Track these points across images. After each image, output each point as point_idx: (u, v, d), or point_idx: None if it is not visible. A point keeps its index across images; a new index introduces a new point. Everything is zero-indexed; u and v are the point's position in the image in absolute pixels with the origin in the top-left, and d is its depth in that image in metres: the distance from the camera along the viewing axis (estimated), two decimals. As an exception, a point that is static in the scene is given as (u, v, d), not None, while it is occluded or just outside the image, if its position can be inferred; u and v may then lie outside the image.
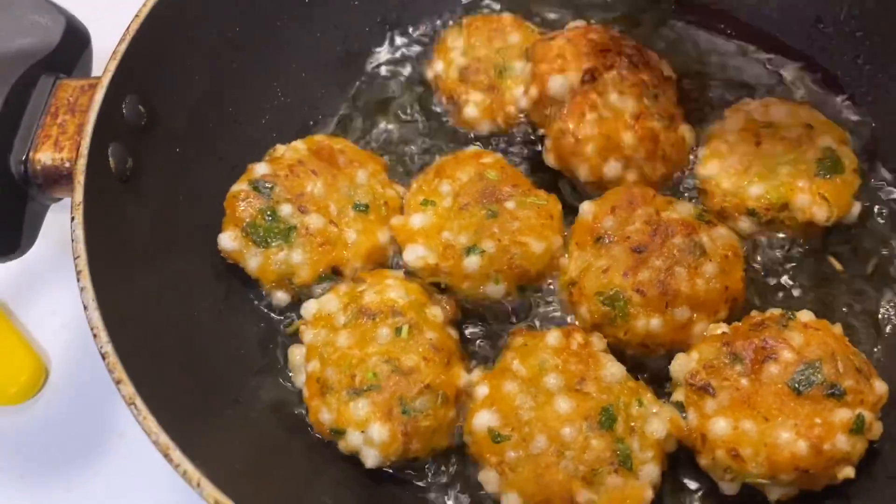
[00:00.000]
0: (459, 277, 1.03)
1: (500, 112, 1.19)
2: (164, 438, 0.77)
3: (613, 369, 0.95)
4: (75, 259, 0.87)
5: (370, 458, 0.93)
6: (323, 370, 0.96)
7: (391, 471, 0.97)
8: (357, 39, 1.30)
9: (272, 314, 1.09)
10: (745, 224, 1.08)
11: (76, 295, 0.98)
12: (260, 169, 1.09)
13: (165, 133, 1.06)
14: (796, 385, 0.89)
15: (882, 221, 1.10)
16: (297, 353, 1.03)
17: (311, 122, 1.26)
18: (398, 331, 0.96)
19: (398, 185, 1.15)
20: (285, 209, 1.06)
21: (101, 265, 0.88)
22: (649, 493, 0.89)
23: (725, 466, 0.89)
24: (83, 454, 1.16)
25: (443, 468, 0.99)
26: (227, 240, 1.06)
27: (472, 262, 1.01)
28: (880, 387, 0.91)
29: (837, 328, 0.96)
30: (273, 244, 1.05)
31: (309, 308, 1.03)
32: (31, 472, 1.16)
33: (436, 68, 1.25)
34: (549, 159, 1.11)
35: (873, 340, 1.04)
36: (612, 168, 1.08)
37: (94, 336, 0.83)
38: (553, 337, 0.97)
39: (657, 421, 0.91)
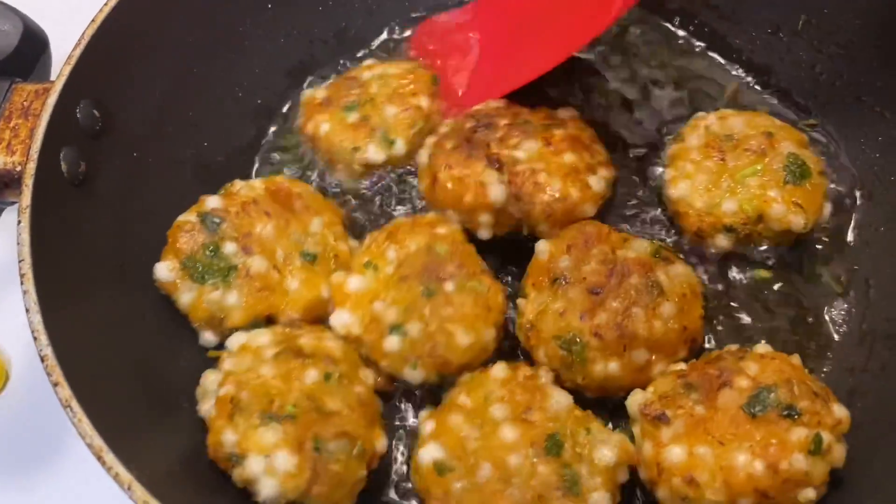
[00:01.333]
0: (380, 354, 0.98)
1: None
2: (98, 441, 0.77)
3: (560, 398, 0.93)
4: (20, 262, 0.87)
5: (266, 489, 0.85)
6: (238, 392, 0.90)
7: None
8: (322, 46, 1.31)
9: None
10: (722, 241, 1.07)
11: None
12: (211, 202, 1.06)
13: (122, 138, 1.07)
14: (751, 409, 0.87)
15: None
16: (210, 378, 0.96)
17: (272, 128, 1.25)
18: (327, 376, 0.92)
19: (352, 240, 1.10)
20: (229, 247, 1.03)
21: (48, 269, 0.88)
22: None
23: (683, 495, 0.86)
24: (43, 455, 1.16)
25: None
26: (164, 269, 1.02)
27: (393, 342, 0.97)
28: (839, 411, 0.89)
29: (795, 358, 0.94)
30: (209, 281, 1.01)
31: (236, 339, 0.98)
32: (-11, 471, 1.16)
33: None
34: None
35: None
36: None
37: (35, 339, 0.83)
38: (499, 369, 0.96)
39: (605, 447, 0.88)
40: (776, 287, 1.08)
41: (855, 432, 0.91)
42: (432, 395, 1.01)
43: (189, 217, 1.05)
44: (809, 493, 0.85)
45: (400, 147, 1.15)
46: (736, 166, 1.08)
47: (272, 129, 1.26)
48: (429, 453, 0.90)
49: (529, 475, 0.87)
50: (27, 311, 0.85)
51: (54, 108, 0.97)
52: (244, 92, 1.24)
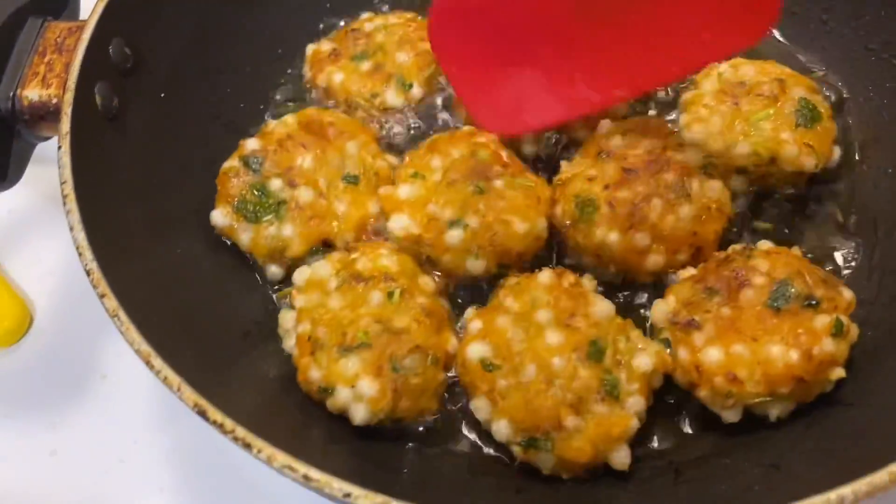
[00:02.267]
0: (441, 249, 1.02)
1: None
2: (145, 347, 0.80)
3: (603, 306, 0.96)
4: (62, 184, 0.90)
5: (359, 414, 0.92)
6: (314, 329, 0.96)
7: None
8: None
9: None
10: (736, 183, 1.10)
11: (61, 244, 1.00)
12: (250, 144, 1.10)
13: (150, 78, 1.09)
14: (774, 303, 0.93)
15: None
16: (287, 318, 1.02)
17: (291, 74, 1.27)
18: (390, 295, 0.96)
19: (389, 155, 1.15)
20: (275, 184, 1.07)
21: (87, 192, 0.91)
22: (635, 423, 0.90)
23: (726, 392, 0.91)
24: (67, 395, 1.19)
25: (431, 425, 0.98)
26: (220, 216, 1.07)
27: (455, 235, 1.00)
28: (848, 293, 0.96)
29: (796, 250, 1.01)
30: (264, 219, 1.05)
31: (301, 274, 1.03)
32: (15, 412, 1.20)
33: None
34: None
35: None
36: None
37: (80, 255, 0.86)
38: (545, 276, 0.99)
39: (644, 355, 0.92)
40: (785, 229, 1.12)
41: (867, 358, 0.96)
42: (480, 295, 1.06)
43: (232, 163, 1.10)
44: (839, 371, 0.92)
45: (417, 91, 1.19)
46: (749, 111, 1.10)
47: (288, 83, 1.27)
48: (476, 351, 0.94)
49: (571, 378, 0.91)
50: (71, 229, 0.88)
51: (88, 44, 1.00)
52: (267, 39, 1.25)
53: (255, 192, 1.07)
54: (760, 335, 0.92)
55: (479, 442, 0.98)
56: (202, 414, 0.76)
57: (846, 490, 0.70)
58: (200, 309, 1.01)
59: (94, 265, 0.85)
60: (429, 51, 1.19)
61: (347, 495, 0.70)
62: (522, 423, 0.90)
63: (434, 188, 1.05)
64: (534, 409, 0.90)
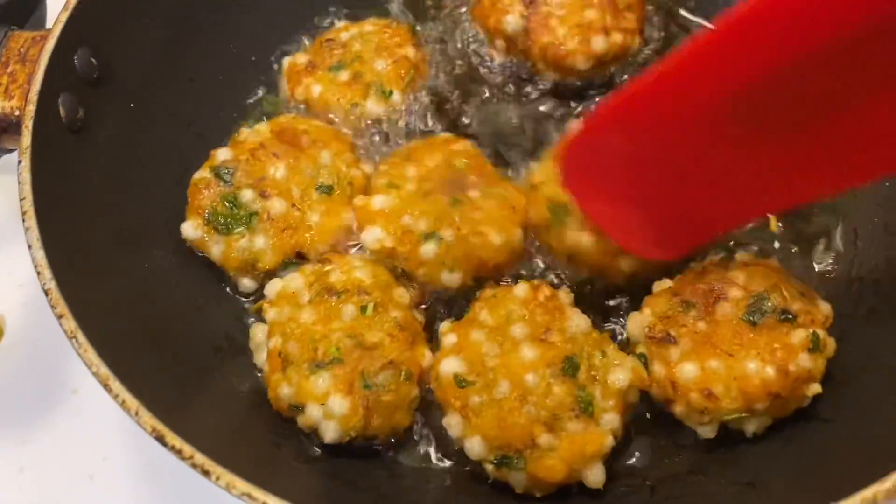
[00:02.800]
0: (415, 263, 1.01)
1: None
2: (104, 370, 0.78)
3: (579, 321, 0.95)
4: (21, 200, 0.88)
5: (329, 432, 0.91)
6: (285, 345, 0.94)
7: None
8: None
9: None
10: None
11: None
12: (221, 154, 1.08)
13: (119, 88, 1.06)
14: (751, 317, 0.91)
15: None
16: (258, 332, 1.01)
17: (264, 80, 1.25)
18: (363, 309, 0.95)
19: (365, 164, 1.13)
20: (247, 195, 1.05)
21: (48, 208, 0.89)
22: (609, 440, 0.89)
23: (701, 408, 0.90)
24: (37, 410, 1.17)
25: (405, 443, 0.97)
26: (190, 229, 1.05)
27: (429, 249, 0.99)
28: (825, 307, 0.94)
29: (774, 261, 0.98)
30: (235, 231, 1.03)
31: (273, 287, 1.01)
32: (-15, 426, 1.17)
33: None
34: None
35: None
36: None
37: (38, 274, 0.84)
38: (521, 289, 0.98)
39: (619, 371, 0.91)
40: (763, 238, 1.09)
41: (845, 372, 0.95)
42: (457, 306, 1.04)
43: (203, 174, 1.07)
44: (816, 387, 0.90)
45: (397, 97, 1.17)
46: None
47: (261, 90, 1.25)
48: (450, 366, 0.93)
49: (545, 394, 0.89)
50: (30, 247, 0.86)
51: (52, 54, 0.98)
52: (238, 47, 1.22)
53: (227, 204, 1.05)
54: (736, 350, 0.91)
55: (452, 460, 0.96)
56: (160, 439, 0.74)
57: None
58: (169, 324, 0.99)
59: (52, 284, 0.83)
60: (407, 56, 1.18)
61: (307, 524, 0.69)
62: (495, 441, 0.89)
63: (409, 199, 1.03)
64: (507, 426, 0.88)
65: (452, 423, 0.92)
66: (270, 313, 0.99)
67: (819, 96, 0.72)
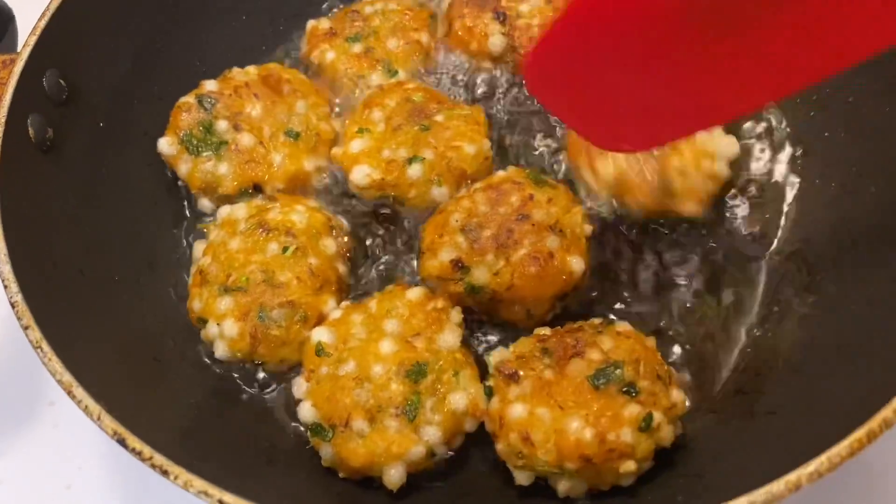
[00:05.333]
0: (405, 187, 1.07)
1: None
2: (67, 377, 0.80)
3: (448, 338, 0.96)
4: (-11, 217, 0.91)
5: (219, 350, 0.99)
6: (210, 265, 1.03)
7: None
8: (285, 22, 1.32)
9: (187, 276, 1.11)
10: None
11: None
12: (209, 85, 1.16)
13: (88, 107, 1.08)
14: (596, 381, 0.89)
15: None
16: (199, 248, 1.09)
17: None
18: (285, 249, 1.02)
19: (335, 121, 1.18)
20: (221, 125, 1.12)
21: (17, 224, 0.91)
22: (419, 449, 0.90)
23: (518, 451, 0.89)
24: (14, 422, 1.18)
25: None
26: (165, 144, 1.13)
27: (416, 170, 1.06)
28: (677, 395, 0.92)
29: (651, 341, 0.96)
30: (203, 154, 1.11)
31: (222, 212, 1.09)
32: (-39, 439, 1.18)
33: None
34: None
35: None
36: None
37: (6, 288, 0.87)
38: (415, 293, 1.00)
39: (460, 394, 0.92)
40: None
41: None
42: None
43: (188, 98, 1.15)
44: (630, 465, 0.87)
45: (402, 77, 1.20)
46: None
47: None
48: (318, 334, 0.98)
49: (381, 387, 0.92)
50: (-4, 263, 0.89)
51: (20, 76, 1.00)
52: (206, 66, 1.24)
53: (201, 129, 1.13)
54: (569, 406, 0.89)
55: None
56: (122, 442, 0.77)
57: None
58: (135, 331, 1.02)
59: (18, 297, 0.85)
60: (420, 41, 1.22)
61: (261, 518, 0.72)
62: (320, 411, 0.93)
63: (382, 137, 1.10)
64: (334, 400, 0.92)
65: (298, 385, 0.97)
66: (212, 234, 1.07)
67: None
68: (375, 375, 0.93)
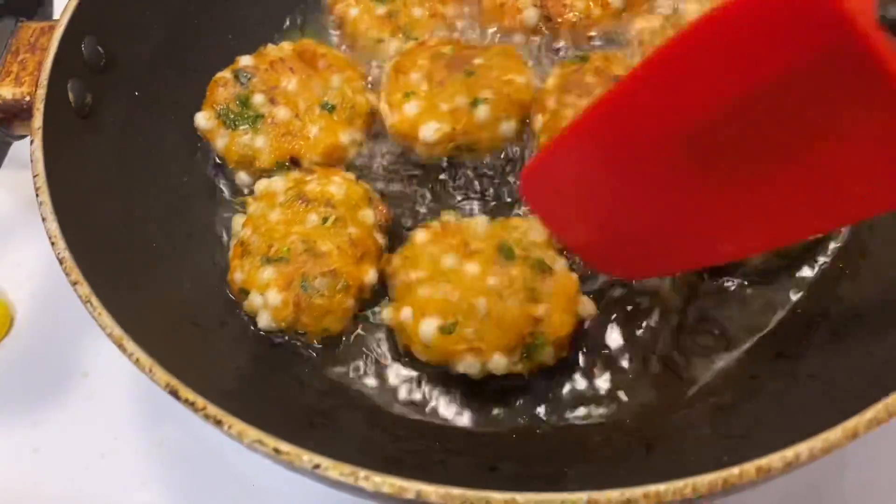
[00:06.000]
0: (476, 131, 1.08)
1: None
2: (117, 331, 0.80)
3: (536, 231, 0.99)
4: (34, 177, 0.90)
5: (262, 320, 0.99)
6: (251, 236, 1.03)
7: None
8: None
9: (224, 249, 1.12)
10: None
11: (41, 248, 1.02)
12: (244, 60, 1.17)
13: (124, 76, 1.09)
14: None
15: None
16: (238, 221, 1.09)
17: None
18: (325, 220, 1.03)
19: (372, 95, 1.18)
20: (258, 98, 1.13)
21: (59, 184, 0.91)
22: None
23: None
24: (48, 393, 1.20)
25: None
26: (202, 119, 1.13)
27: (483, 111, 1.07)
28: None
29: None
30: (240, 127, 1.12)
31: (260, 185, 1.10)
32: (-3, 410, 1.19)
33: None
34: None
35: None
36: None
37: (53, 245, 0.87)
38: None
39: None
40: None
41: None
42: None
43: (225, 74, 1.16)
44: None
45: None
46: None
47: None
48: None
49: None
50: (44, 220, 0.89)
51: (60, 42, 1.01)
52: (236, 39, 1.25)
53: (238, 103, 1.13)
54: None
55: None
56: (174, 393, 0.77)
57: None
58: (179, 286, 1.03)
59: (66, 253, 0.86)
60: (444, 14, 1.22)
61: (317, 466, 0.72)
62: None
63: (431, 94, 1.11)
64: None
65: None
66: (251, 207, 1.08)
67: (768, 141, 0.67)
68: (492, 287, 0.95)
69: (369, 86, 1.20)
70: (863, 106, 0.60)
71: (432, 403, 1.00)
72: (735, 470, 0.69)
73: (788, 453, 0.69)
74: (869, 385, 0.77)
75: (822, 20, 0.57)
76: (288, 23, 1.32)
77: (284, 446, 0.72)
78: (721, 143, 0.69)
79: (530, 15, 1.18)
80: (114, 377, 1.20)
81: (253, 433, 0.73)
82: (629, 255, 0.88)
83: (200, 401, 0.75)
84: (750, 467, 0.69)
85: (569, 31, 1.18)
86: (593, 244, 0.91)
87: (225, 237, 1.13)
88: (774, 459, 0.69)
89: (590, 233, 0.89)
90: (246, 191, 1.15)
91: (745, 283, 1.03)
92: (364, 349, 1.03)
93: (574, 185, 0.86)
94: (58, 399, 1.19)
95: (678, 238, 0.81)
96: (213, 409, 0.75)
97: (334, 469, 0.71)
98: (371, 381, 1.01)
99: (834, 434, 0.69)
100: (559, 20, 1.18)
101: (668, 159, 0.74)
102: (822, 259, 1.04)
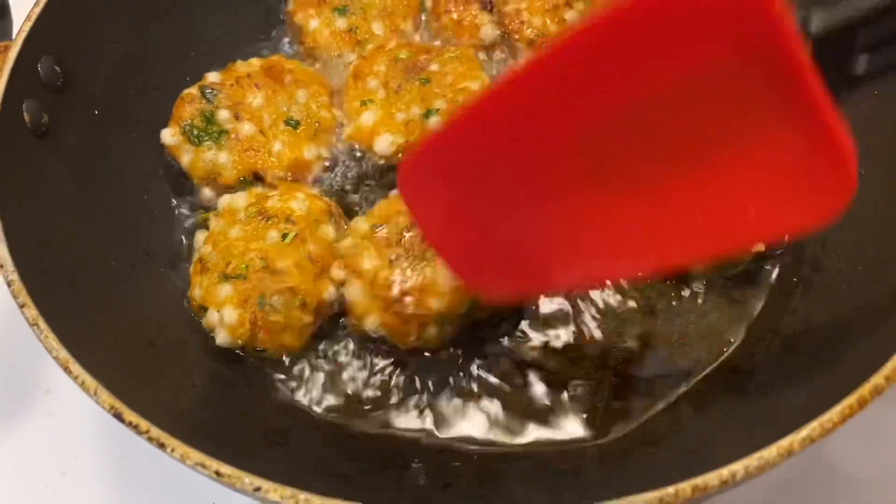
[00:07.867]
0: None
1: None
2: (63, 354, 0.80)
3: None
4: (-16, 199, 0.92)
5: (219, 337, 1.00)
6: (210, 253, 1.04)
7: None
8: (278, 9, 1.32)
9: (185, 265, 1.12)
10: None
11: None
12: (211, 77, 1.18)
13: (82, 95, 1.08)
14: None
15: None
16: (200, 238, 1.10)
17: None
18: (284, 236, 1.03)
19: (336, 110, 1.19)
20: (223, 114, 1.14)
21: (13, 205, 0.91)
22: None
23: None
24: (9, 410, 1.19)
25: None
26: (168, 135, 1.14)
27: (434, 122, 1.08)
28: None
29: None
30: (204, 143, 1.13)
31: (223, 201, 1.11)
32: (-43, 428, 1.18)
33: None
34: None
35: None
36: None
37: (1, 268, 0.87)
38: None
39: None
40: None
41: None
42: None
43: (191, 90, 1.17)
44: None
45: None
46: None
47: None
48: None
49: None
50: (-7, 243, 0.89)
51: (16, 62, 1.00)
52: (200, 56, 1.25)
53: (203, 119, 1.15)
54: None
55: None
56: (118, 416, 0.77)
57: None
58: (130, 312, 1.02)
59: (14, 276, 0.86)
60: (405, 31, 1.24)
61: (258, 489, 0.72)
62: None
63: (387, 102, 1.13)
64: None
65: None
66: (213, 223, 1.08)
67: (666, 148, 0.63)
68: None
69: (335, 99, 1.20)
70: (770, 113, 0.58)
71: (390, 421, 1.00)
72: (671, 489, 0.69)
73: (724, 472, 0.70)
74: (810, 401, 0.78)
75: (747, 19, 0.55)
76: (251, 37, 1.32)
77: (225, 469, 0.73)
78: (617, 148, 0.65)
79: (488, 32, 1.19)
80: (76, 395, 1.16)
81: (195, 455, 0.74)
82: (504, 267, 0.79)
83: (144, 423, 0.76)
84: (686, 486, 0.69)
85: (527, 47, 1.18)
86: (469, 253, 0.81)
87: (187, 254, 1.12)
88: (710, 478, 0.70)
89: (467, 240, 0.80)
90: (210, 207, 1.14)
91: (702, 295, 1.04)
92: (324, 366, 1.04)
93: (457, 183, 0.76)
94: (19, 416, 1.19)
95: (564, 251, 0.74)
96: (156, 432, 0.75)
97: (275, 492, 0.71)
98: (330, 400, 1.01)
99: (769, 452, 0.70)
100: (516, 36, 1.18)
101: (559, 162, 0.68)
102: (775, 272, 1.05)
